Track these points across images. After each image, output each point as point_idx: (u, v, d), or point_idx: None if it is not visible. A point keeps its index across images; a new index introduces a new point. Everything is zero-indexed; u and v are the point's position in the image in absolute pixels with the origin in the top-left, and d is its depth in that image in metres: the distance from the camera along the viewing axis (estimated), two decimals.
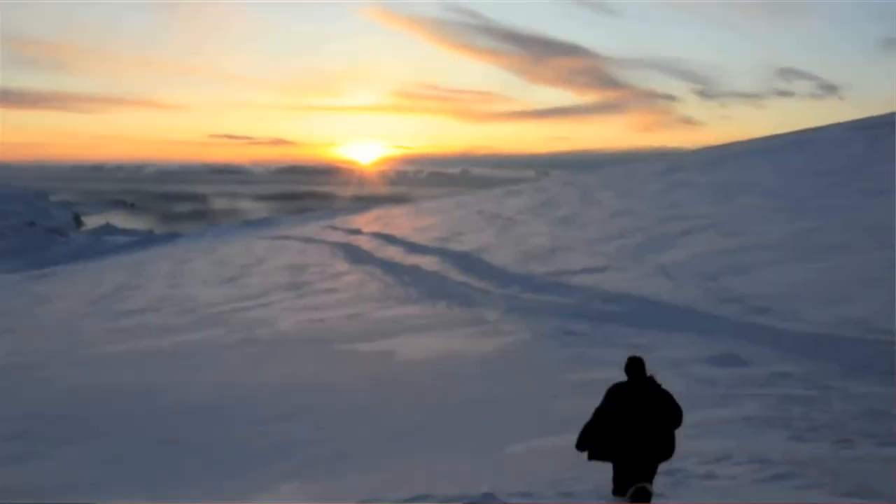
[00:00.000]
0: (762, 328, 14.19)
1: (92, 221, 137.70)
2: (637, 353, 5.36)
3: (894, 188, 25.95)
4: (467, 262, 26.96)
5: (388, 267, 29.35)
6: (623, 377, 5.53)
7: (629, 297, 18.03)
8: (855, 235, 20.69)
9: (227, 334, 19.72)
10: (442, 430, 10.33)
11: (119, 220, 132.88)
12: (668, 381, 10.70)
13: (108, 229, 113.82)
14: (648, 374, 5.35)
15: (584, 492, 6.76)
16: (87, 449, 10.71)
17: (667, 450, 5.30)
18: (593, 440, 5.36)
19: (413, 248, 33.12)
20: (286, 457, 10.03)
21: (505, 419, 10.26)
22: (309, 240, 45.11)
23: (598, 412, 5.39)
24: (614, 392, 5.33)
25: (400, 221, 46.83)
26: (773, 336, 13.50)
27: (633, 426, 5.14)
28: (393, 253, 32.92)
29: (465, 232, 35.36)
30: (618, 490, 5.40)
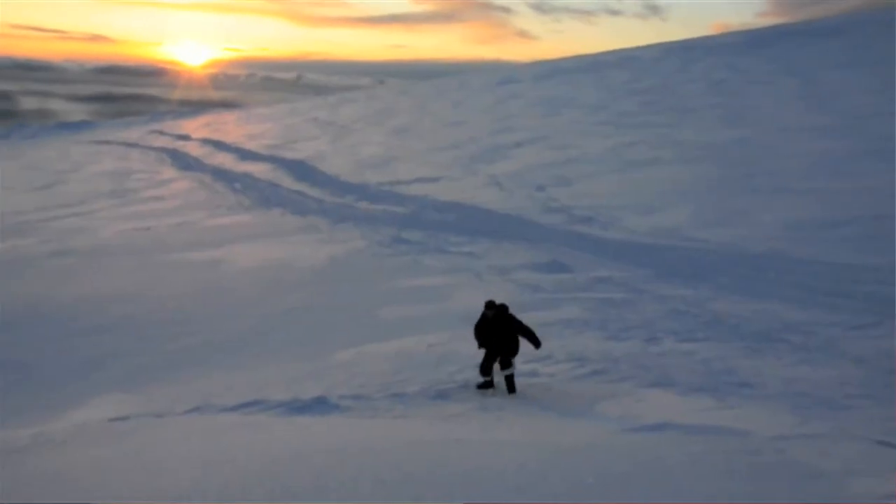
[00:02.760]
0: (585, 236, 14.92)
1: None
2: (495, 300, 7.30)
3: (701, 107, 27.79)
4: (301, 169, 26.45)
5: (219, 174, 28.31)
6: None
7: (461, 207, 18.40)
8: (666, 151, 22.04)
9: (39, 244, 18.43)
10: (272, 337, 10.27)
11: None
12: (498, 286, 11.19)
13: None
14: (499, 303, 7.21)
15: (413, 393, 6.97)
16: None
17: (513, 349, 7.19)
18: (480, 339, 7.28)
19: (245, 155, 32.05)
20: (106, 368, 9.67)
21: (336, 325, 10.32)
22: (133, 145, 42.59)
23: (478, 327, 7.33)
24: (484, 318, 7.29)
25: (231, 127, 45.09)
26: (595, 244, 14.23)
27: (495, 336, 7.13)
28: (224, 160, 31.74)
29: (298, 139, 34.57)
30: (484, 370, 7.16)
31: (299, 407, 6.79)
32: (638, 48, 48.96)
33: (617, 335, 8.59)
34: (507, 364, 7.05)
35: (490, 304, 7.24)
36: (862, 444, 5.16)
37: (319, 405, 6.78)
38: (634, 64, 42.43)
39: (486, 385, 7.13)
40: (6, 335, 11.10)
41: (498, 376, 7.13)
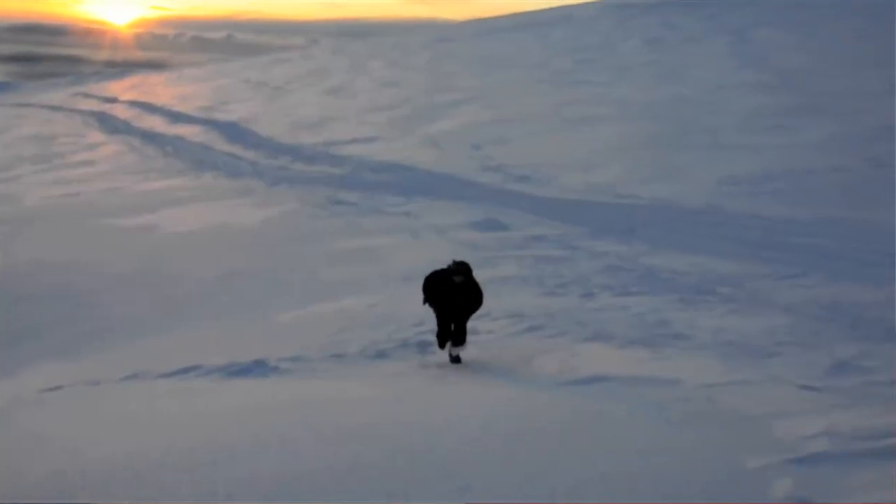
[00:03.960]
0: (521, 195, 15.02)
1: None
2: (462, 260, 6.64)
3: (638, 65, 28.07)
4: (234, 131, 25.93)
5: (149, 137, 27.58)
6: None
7: (398, 167, 18.31)
8: (603, 108, 22.25)
9: None
10: (208, 302, 10.13)
11: None
12: (435, 245, 11.21)
13: None
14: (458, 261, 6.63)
15: (353, 353, 6.97)
16: None
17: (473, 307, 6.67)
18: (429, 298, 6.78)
19: (176, 117, 31.26)
20: (39, 337, 9.46)
21: (273, 289, 10.24)
22: (57, 108, 41.10)
23: (435, 293, 6.72)
24: (449, 284, 6.60)
25: (160, 89, 43.86)
26: (531, 202, 14.34)
27: (455, 301, 6.62)
28: (154, 122, 30.92)
29: (230, 101, 33.83)
30: (443, 341, 6.68)
31: (237, 370, 6.73)
32: (575, 6, 49.04)
33: (553, 291, 8.70)
34: (460, 338, 6.55)
35: (460, 268, 6.46)
36: (787, 388, 5.37)
37: (258, 368, 6.73)
38: (572, 21, 42.56)
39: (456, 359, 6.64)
40: None
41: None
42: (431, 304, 6.71)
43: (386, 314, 8.15)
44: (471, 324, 6.67)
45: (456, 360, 6.61)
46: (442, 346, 6.66)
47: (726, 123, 18.94)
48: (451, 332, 6.59)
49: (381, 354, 7.00)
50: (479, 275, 6.59)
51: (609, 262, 9.98)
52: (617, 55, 32.07)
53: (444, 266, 6.62)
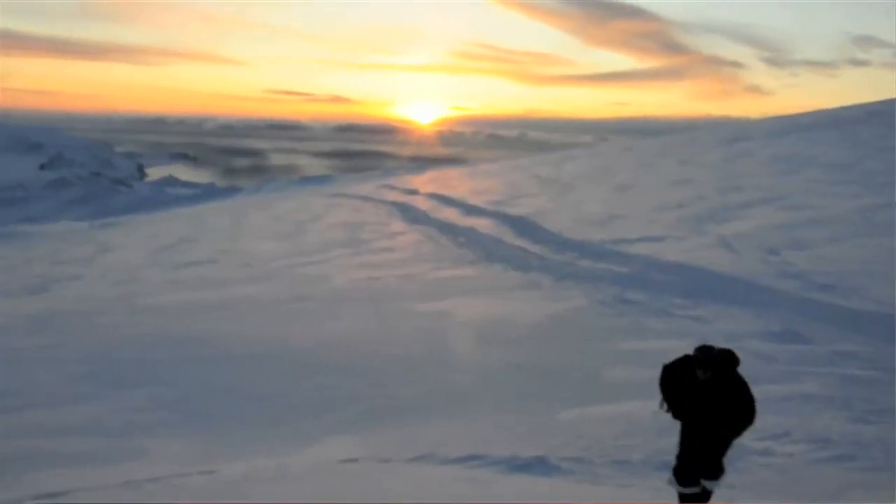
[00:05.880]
0: (824, 305, 13.83)
1: (155, 173, 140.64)
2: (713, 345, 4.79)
3: None
4: (523, 225, 26.80)
5: (444, 228, 29.34)
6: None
7: (687, 268, 17.74)
8: None
9: (283, 289, 20.00)
10: (493, 391, 10.39)
11: (181, 172, 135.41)
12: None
13: (170, 181, 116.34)
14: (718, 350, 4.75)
15: (637, 461, 6.75)
16: (149, 392, 11.04)
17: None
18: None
19: (469, 209, 33.02)
20: (337, 409, 10.22)
21: (557, 384, 10.26)
22: (366, 198, 45.27)
23: (673, 387, 5.19)
24: (689, 378, 4.91)
25: (456, 183, 46.69)
26: (835, 314, 13.16)
27: (705, 407, 4.78)
28: (449, 214, 32.88)
29: (521, 195, 35.10)
30: (684, 472, 4.96)
31: (519, 465, 6.79)
32: (889, 101, 45.22)
33: (865, 417, 7.81)
34: (712, 466, 4.77)
35: (705, 355, 4.69)
36: None
37: (540, 465, 6.74)
38: (885, 118, 39.20)
39: (694, 499, 4.92)
40: (248, 369, 12.07)
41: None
42: (670, 409, 5.16)
43: (671, 422, 7.80)
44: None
45: (702, 497, 4.88)
46: (681, 478, 4.96)
47: None
48: (697, 455, 4.97)
49: (666, 465, 6.66)
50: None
51: None
52: None
53: (690, 353, 4.90)
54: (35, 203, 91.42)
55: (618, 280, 17.26)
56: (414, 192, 44.56)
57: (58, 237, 45.47)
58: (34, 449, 9.02)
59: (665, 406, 5.09)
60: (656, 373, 10.26)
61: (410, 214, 35.23)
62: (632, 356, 11.09)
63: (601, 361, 11.02)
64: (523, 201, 33.10)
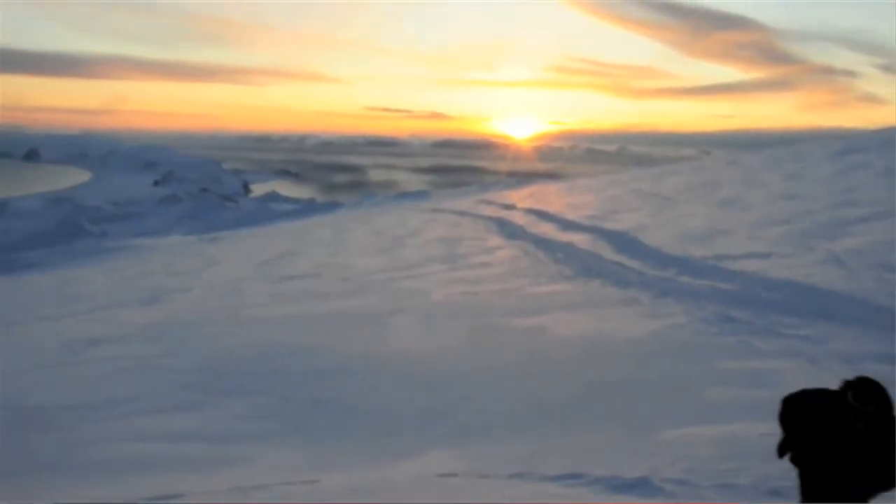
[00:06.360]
0: None
1: (259, 189, 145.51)
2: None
3: None
4: (622, 241, 26.34)
5: (542, 243, 29.14)
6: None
7: (795, 286, 17.02)
8: None
9: (382, 302, 20.25)
10: (591, 408, 10.21)
11: (284, 188, 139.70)
12: (839, 375, 10.11)
13: (274, 197, 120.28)
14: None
15: (745, 486, 6.49)
16: (252, 402, 11.36)
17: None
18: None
19: (567, 225, 32.71)
20: (434, 423, 10.25)
21: (658, 403, 10.00)
22: (463, 213, 45.50)
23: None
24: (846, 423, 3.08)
25: (554, 198, 46.38)
26: None
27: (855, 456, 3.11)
28: (546, 229, 32.65)
29: (620, 210, 34.56)
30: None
31: (620, 485, 6.64)
32: None
33: None
34: None
35: (861, 391, 3.18)
36: None
37: (642, 485, 6.57)
38: None
39: None
40: (346, 381, 12.26)
41: None
42: (794, 456, 3.26)
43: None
44: None
45: None
46: None
47: None
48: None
49: (775, 492, 6.42)
50: None
51: None
52: None
53: (831, 388, 3.28)
54: (149, 218, 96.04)
55: (720, 297, 16.74)
56: (511, 207, 44.50)
57: (169, 251, 47.56)
58: (148, 453, 9.41)
59: (784, 452, 3.14)
60: (762, 393, 9.92)
61: (507, 229, 35.17)
62: (736, 376, 10.73)
63: (703, 380, 10.69)
64: (622, 216, 32.57)
